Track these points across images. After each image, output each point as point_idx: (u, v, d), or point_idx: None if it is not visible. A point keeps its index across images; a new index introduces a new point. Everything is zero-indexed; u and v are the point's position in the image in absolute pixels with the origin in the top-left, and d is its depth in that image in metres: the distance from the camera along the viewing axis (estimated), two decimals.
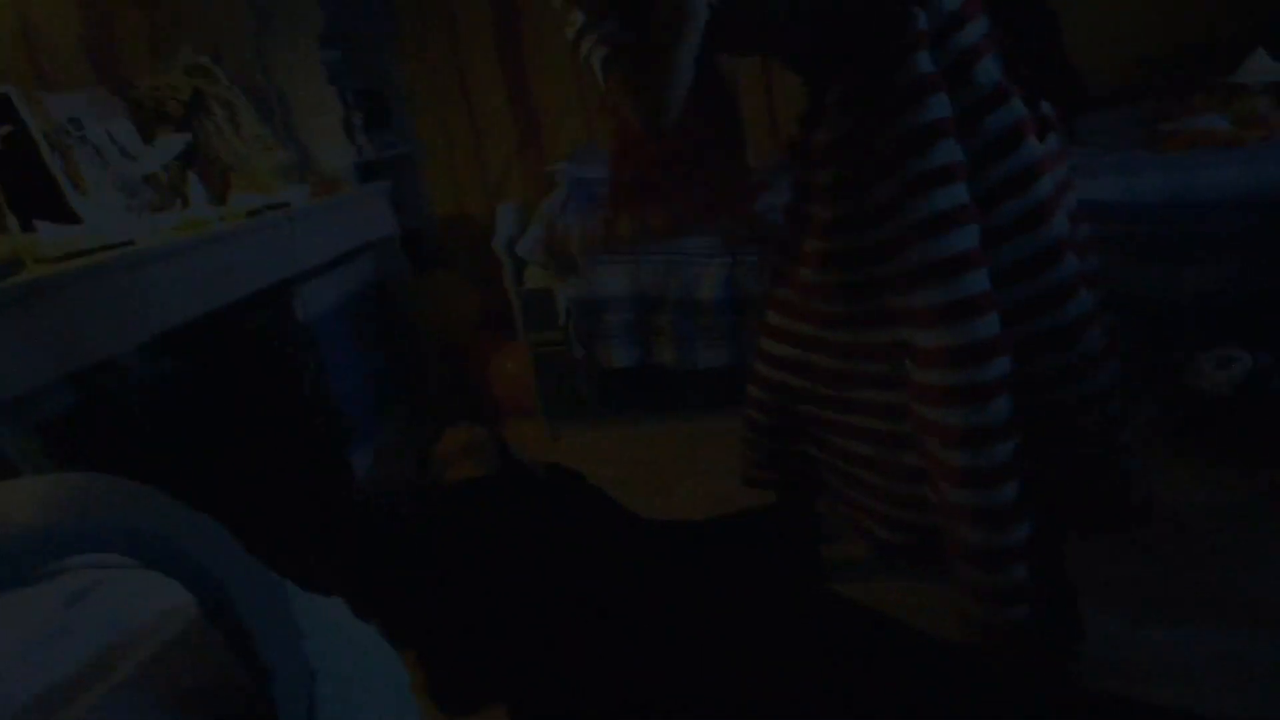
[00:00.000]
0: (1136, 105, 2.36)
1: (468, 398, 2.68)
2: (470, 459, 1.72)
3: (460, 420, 1.90)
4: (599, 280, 2.07)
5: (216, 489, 1.70)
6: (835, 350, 1.12)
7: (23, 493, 0.37)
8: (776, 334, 1.21)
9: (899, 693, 1.09)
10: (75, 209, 1.59)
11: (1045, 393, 1.03)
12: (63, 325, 1.18)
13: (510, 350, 2.44)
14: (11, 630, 0.56)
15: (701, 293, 2.02)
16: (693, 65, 0.95)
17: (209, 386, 1.70)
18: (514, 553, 1.37)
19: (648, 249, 2.06)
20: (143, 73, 2.00)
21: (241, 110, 2.03)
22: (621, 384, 2.22)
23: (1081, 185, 1.77)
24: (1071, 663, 1.13)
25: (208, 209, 1.74)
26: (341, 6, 2.39)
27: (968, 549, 1.01)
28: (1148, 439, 1.72)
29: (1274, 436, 1.58)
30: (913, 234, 0.96)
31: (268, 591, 0.49)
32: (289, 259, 1.77)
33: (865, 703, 1.08)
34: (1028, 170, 0.96)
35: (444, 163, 3.05)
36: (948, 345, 0.95)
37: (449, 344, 2.75)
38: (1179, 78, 2.28)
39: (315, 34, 2.23)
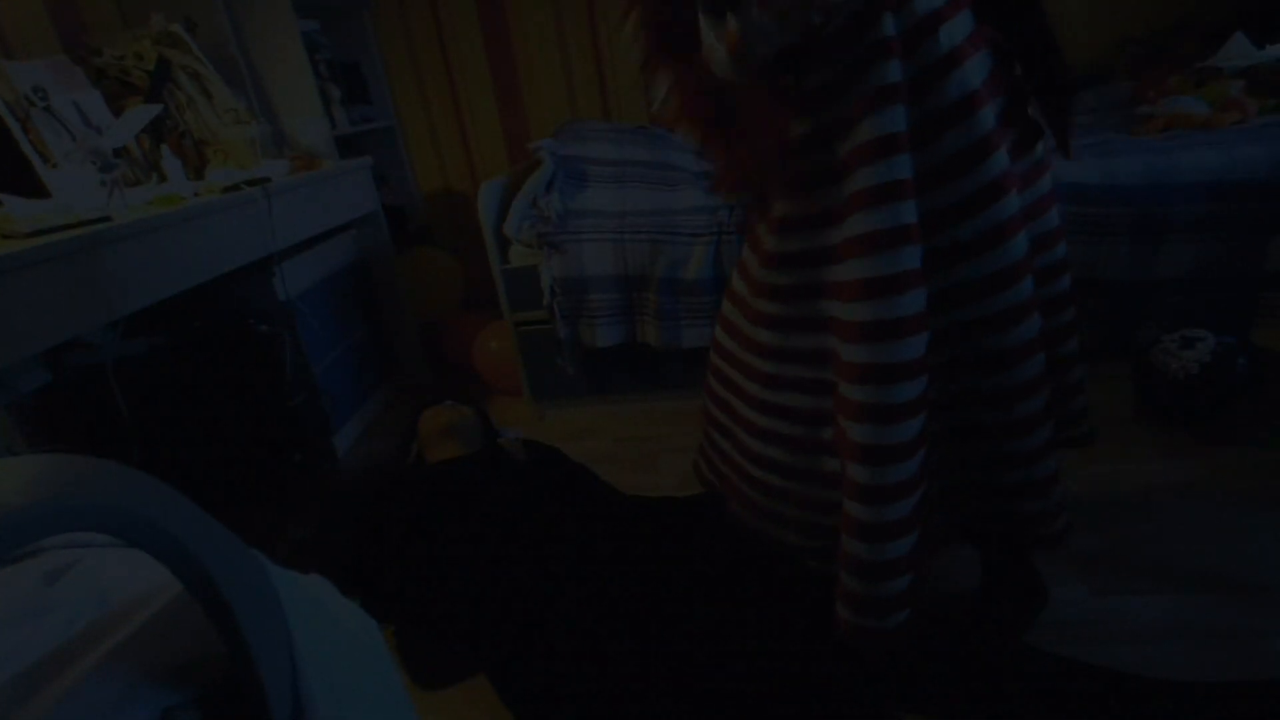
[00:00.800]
0: (1114, 87, 2.38)
1: (452, 376, 2.67)
2: (454, 439, 1.73)
3: (444, 399, 1.90)
4: (584, 259, 2.06)
5: (194, 468, 1.69)
6: (765, 351, 1.11)
7: (3, 472, 0.37)
8: (725, 326, 1.22)
9: (865, 661, 1.13)
10: (45, 183, 1.56)
11: (973, 412, 1.04)
12: (35, 302, 1.16)
13: (494, 329, 2.43)
14: None
15: (687, 272, 2.03)
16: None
17: (186, 365, 1.68)
18: (493, 529, 1.38)
19: (635, 227, 2.05)
20: (111, 41, 1.94)
21: (211, 81, 1.98)
22: (606, 362, 2.22)
23: (1060, 167, 1.80)
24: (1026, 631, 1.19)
25: (184, 184, 1.71)
26: None
27: (850, 561, 1.02)
28: (1115, 417, 1.79)
29: (1235, 415, 1.63)
30: (851, 205, 0.94)
31: (248, 569, 0.49)
32: (268, 235, 1.75)
33: (833, 668, 1.11)
34: (992, 185, 0.94)
35: (426, 138, 3.01)
36: (866, 320, 0.94)
37: (433, 322, 2.73)
38: (1157, 60, 2.30)
39: (289, 3, 2.17)
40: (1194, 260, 1.79)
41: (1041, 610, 1.23)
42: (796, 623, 1.18)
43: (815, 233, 1.00)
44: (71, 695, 0.45)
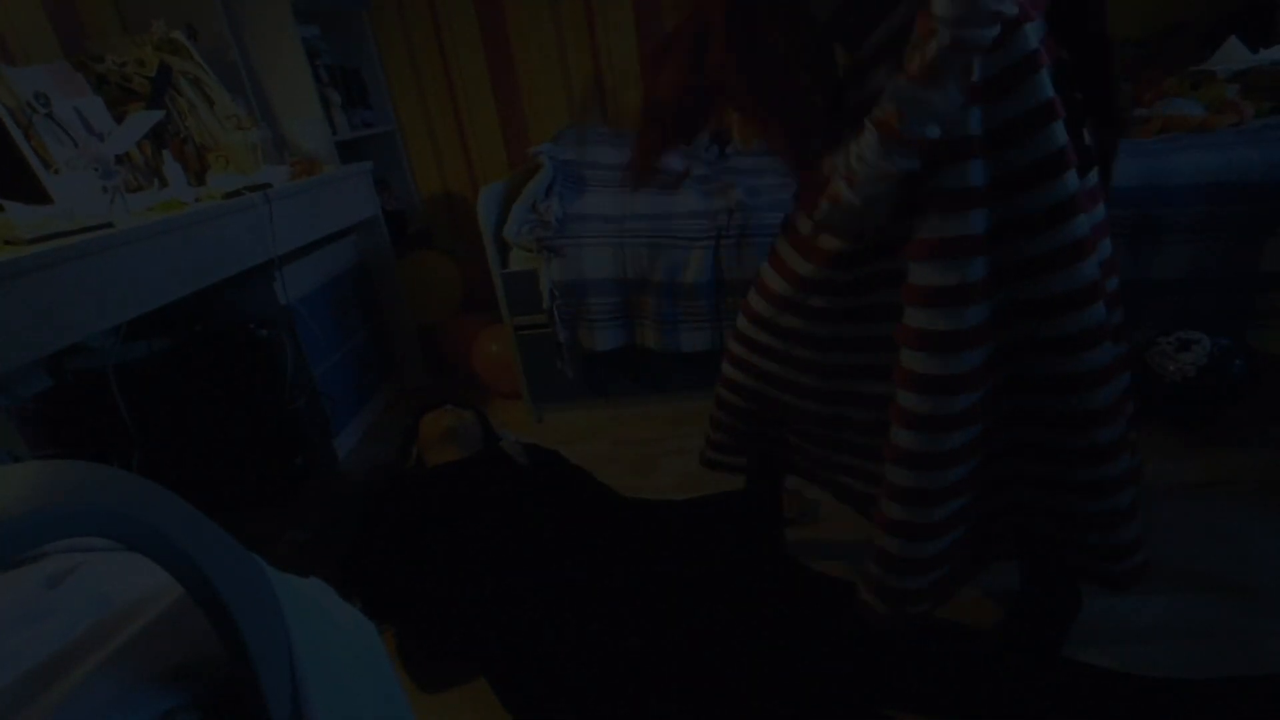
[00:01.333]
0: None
1: (451, 379, 2.68)
2: (454, 442, 1.73)
3: (444, 402, 1.90)
4: (583, 263, 2.07)
5: (195, 472, 1.70)
6: (819, 344, 1.09)
7: (5, 479, 0.38)
8: (758, 320, 1.17)
9: (863, 657, 1.13)
10: (47, 189, 1.57)
11: (1045, 435, 0.98)
12: (38, 308, 1.17)
13: (494, 332, 2.44)
14: None
15: (686, 276, 2.03)
16: None
17: (187, 369, 1.69)
18: (493, 531, 1.38)
19: (634, 231, 2.06)
20: (112, 47, 1.96)
21: (212, 87, 1.99)
22: (605, 366, 2.23)
23: None
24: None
25: (186, 189, 1.72)
26: None
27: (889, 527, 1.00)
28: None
29: (1232, 417, 1.64)
30: (928, 208, 0.89)
31: (247, 572, 0.50)
32: (269, 240, 1.76)
33: (832, 669, 1.12)
34: (1066, 203, 0.87)
35: (426, 142, 3.02)
36: (929, 329, 0.90)
37: (432, 326, 2.74)
38: (1153, 63, 2.31)
39: (290, 8, 2.19)
40: (1190, 262, 1.80)
41: (1074, 619, 1.19)
42: (797, 624, 1.19)
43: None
44: (72, 697, 0.46)
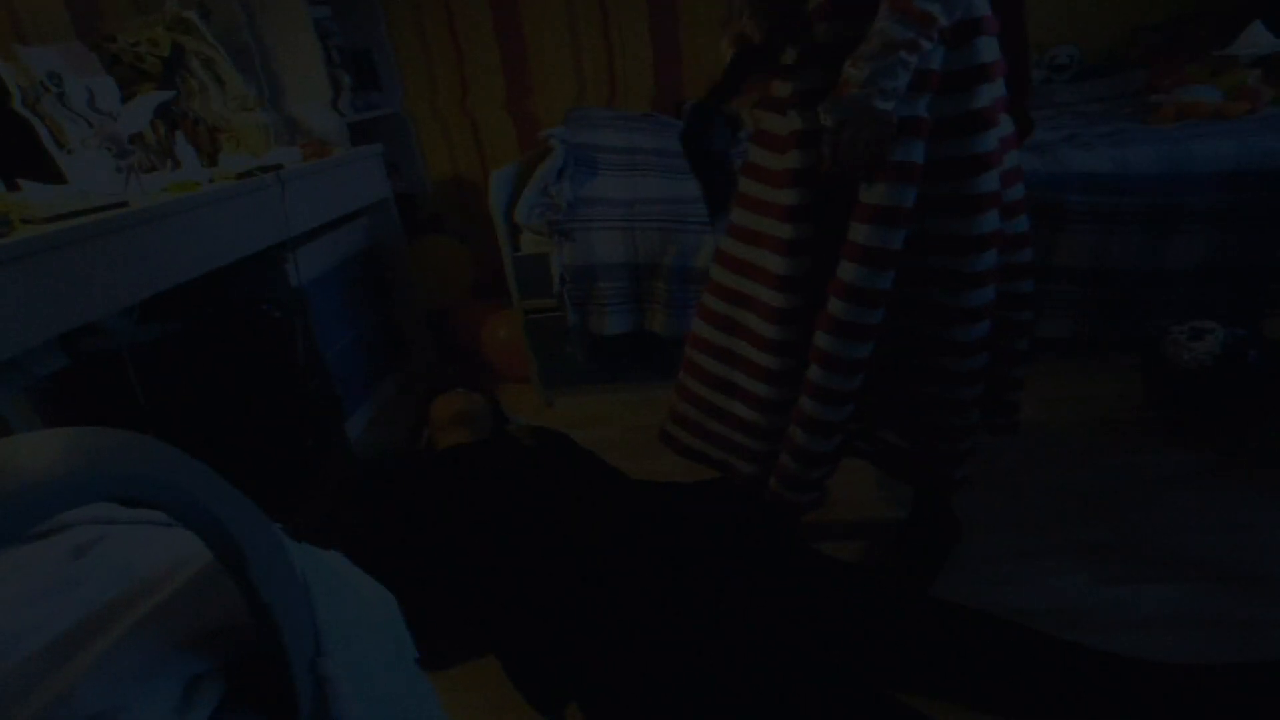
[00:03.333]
0: (1128, 75, 2.36)
1: (462, 363, 2.69)
2: (464, 426, 1.74)
3: (455, 386, 1.91)
4: (594, 247, 2.07)
5: (207, 452, 1.71)
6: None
7: (33, 443, 0.39)
8: (721, 293, 1.30)
9: (872, 636, 1.14)
10: (61, 168, 1.57)
11: (916, 355, 1.19)
12: (53, 287, 1.18)
13: (504, 316, 2.44)
14: (21, 582, 0.58)
15: (697, 261, 2.03)
16: None
17: (200, 349, 1.70)
18: (501, 513, 1.39)
19: (646, 215, 2.05)
20: (124, 27, 1.95)
21: (224, 68, 1.99)
22: (615, 350, 2.23)
23: (1074, 157, 1.79)
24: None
25: (198, 170, 1.72)
26: None
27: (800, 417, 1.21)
28: (1125, 407, 1.79)
29: (1246, 407, 1.63)
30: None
31: (271, 540, 0.51)
32: (281, 222, 1.76)
33: (837, 641, 1.13)
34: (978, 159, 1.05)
35: (436, 126, 3.01)
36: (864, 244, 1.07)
37: (443, 309, 2.74)
38: (1173, 48, 2.27)
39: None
40: (1205, 251, 1.78)
41: (954, 546, 1.38)
42: (805, 606, 1.19)
43: None
44: (101, 663, 0.47)
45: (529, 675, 1.19)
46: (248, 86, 2.01)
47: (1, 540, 0.33)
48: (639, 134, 2.44)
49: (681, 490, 1.58)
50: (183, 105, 1.97)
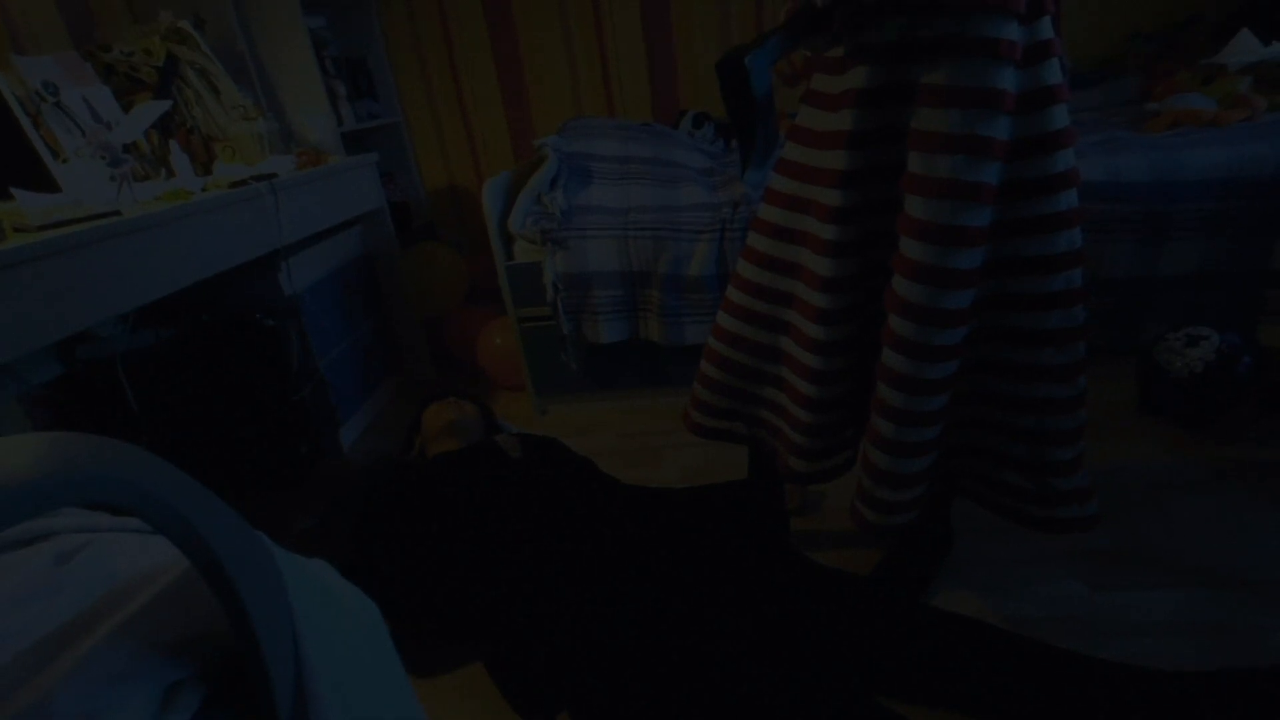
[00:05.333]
0: (1121, 83, 2.37)
1: (456, 371, 2.69)
2: (456, 435, 1.74)
3: (449, 394, 1.91)
4: (587, 255, 2.07)
5: (201, 459, 1.71)
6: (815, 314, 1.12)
7: (7, 447, 0.38)
8: (748, 288, 1.20)
9: (865, 643, 1.13)
10: (55, 177, 1.58)
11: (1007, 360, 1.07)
12: (47, 295, 1.18)
13: (498, 325, 2.45)
14: (3, 589, 0.58)
15: (690, 269, 2.03)
16: None
17: (194, 357, 1.70)
18: (487, 521, 1.39)
19: (639, 223, 2.06)
20: (120, 37, 1.96)
21: (219, 77, 2.00)
22: (609, 358, 2.23)
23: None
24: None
25: (192, 179, 1.72)
26: None
27: (878, 439, 1.09)
28: (1119, 413, 1.79)
29: (1240, 413, 1.63)
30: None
31: (252, 547, 0.50)
32: (275, 230, 1.76)
33: (830, 650, 1.12)
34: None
35: (431, 134, 3.02)
36: (927, 262, 0.97)
37: (437, 317, 2.75)
38: (1166, 55, 2.29)
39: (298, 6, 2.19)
40: (1199, 258, 1.78)
41: (947, 554, 1.37)
42: (799, 614, 1.19)
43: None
44: (79, 667, 0.46)
45: (517, 684, 1.19)
46: (244, 95, 2.02)
47: None
48: (633, 143, 2.45)
49: (673, 496, 1.58)
50: (180, 114, 1.98)
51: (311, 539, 1.57)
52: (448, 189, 3.11)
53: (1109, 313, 1.87)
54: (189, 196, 1.58)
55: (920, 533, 1.39)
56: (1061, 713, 1.04)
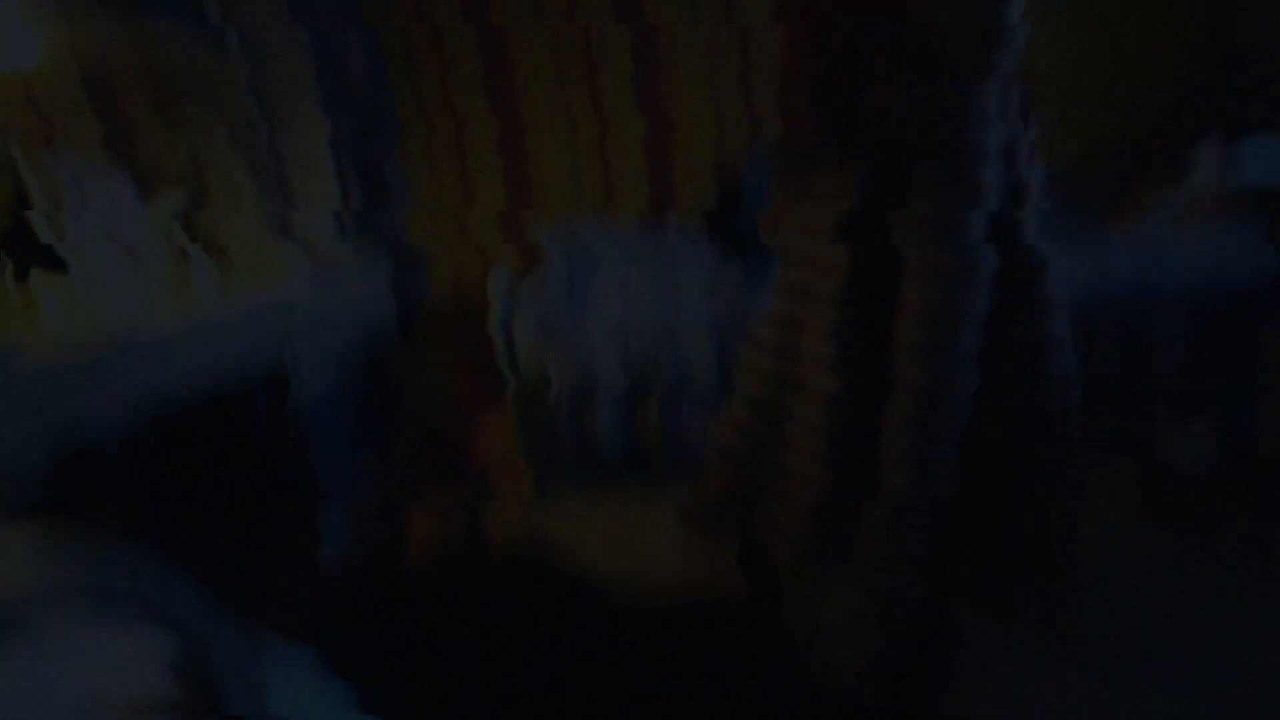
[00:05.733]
0: (1094, 188, 2.51)
1: (452, 467, 2.64)
2: (444, 539, 1.69)
3: (441, 493, 1.87)
4: (589, 354, 2.10)
5: (188, 548, 1.64)
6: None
7: (12, 540, 0.37)
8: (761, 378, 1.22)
9: None
10: (69, 264, 1.61)
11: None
12: (53, 403, 1.17)
13: (497, 423, 2.43)
14: None
15: (694, 372, 2.06)
16: None
17: (188, 445, 1.67)
18: (474, 633, 1.33)
19: (640, 321, 2.10)
20: (148, 136, 2.07)
21: (242, 179, 2.10)
22: (609, 462, 2.21)
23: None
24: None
25: (209, 276, 1.77)
26: (348, 86, 2.51)
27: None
28: (1122, 510, 1.75)
29: (1245, 509, 1.60)
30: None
31: (238, 640, 0.48)
32: (281, 323, 1.79)
33: None
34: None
35: (442, 237, 3.13)
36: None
37: (436, 412, 2.73)
38: (1133, 164, 2.43)
39: (319, 108, 2.33)
40: (1187, 353, 1.82)
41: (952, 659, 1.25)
42: None
43: None
44: None
45: None
46: (259, 191, 2.11)
47: None
48: (636, 242, 2.54)
49: (664, 616, 1.51)
50: (200, 212, 2.06)
51: (294, 626, 1.49)
52: (454, 288, 3.18)
53: (1100, 409, 1.87)
54: (204, 297, 1.60)
55: (927, 638, 1.30)
56: None
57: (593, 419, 2.12)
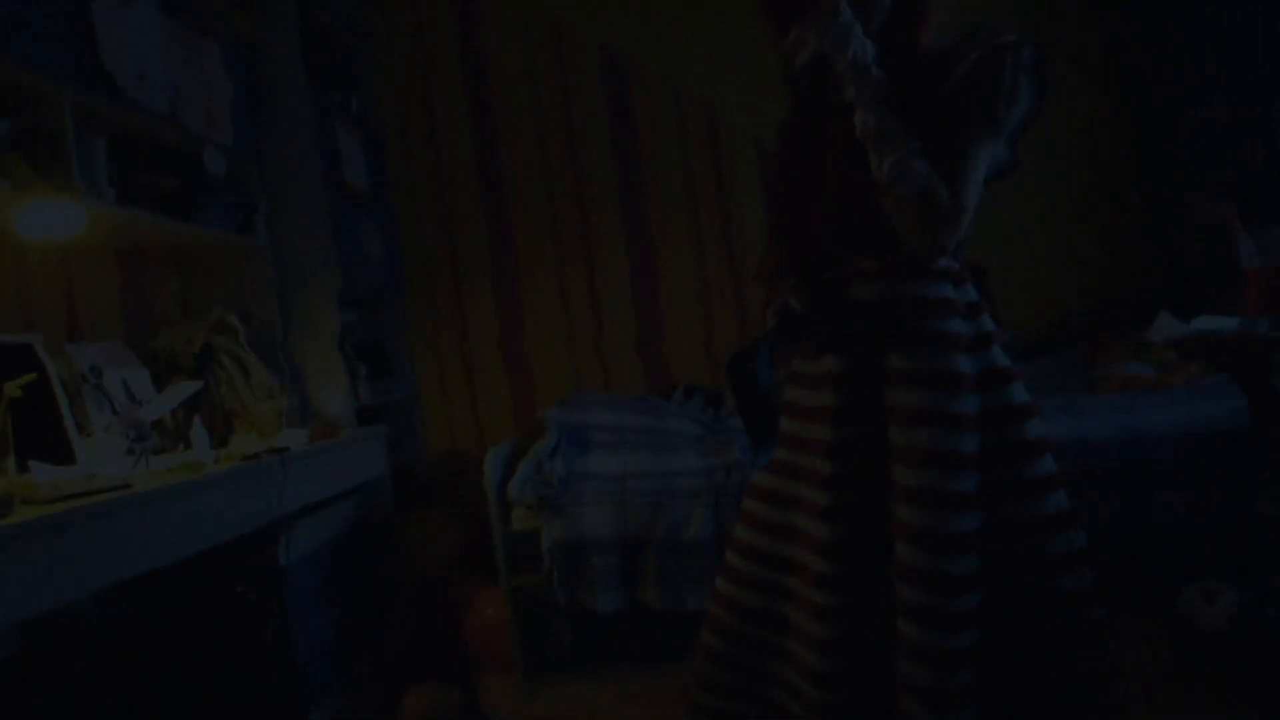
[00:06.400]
0: (1067, 353, 2.64)
1: (443, 646, 2.49)
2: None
3: (432, 676, 1.76)
4: (584, 521, 2.08)
5: None
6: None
7: None
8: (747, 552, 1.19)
9: None
10: (75, 450, 1.64)
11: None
12: (42, 568, 1.16)
13: (490, 596, 2.34)
14: None
15: (688, 533, 2.03)
16: None
17: (165, 630, 1.59)
18: None
19: (636, 489, 2.10)
20: (171, 328, 2.20)
21: (252, 363, 2.20)
22: (606, 630, 2.10)
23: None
24: None
25: (207, 452, 1.80)
26: (361, 274, 2.72)
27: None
28: (1144, 675, 1.64)
29: (1270, 670, 1.52)
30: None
31: None
32: (275, 503, 1.78)
33: None
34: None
35: (440, 407, 3.21)
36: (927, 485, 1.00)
37: (428, 586, 2.63)
38: (1099, 329, 2.59)
39: (335, 298, 2.50)
40: (1189, 508, 1.81)
41: None
42: None
43: None
44: None
45: None
46: (271, 377, 2.20)
47: None
48: (629, 413, 2.60)
49: None
50: (209, 393, 2.13)
51: None
52: (451, 455, 3.21)
53: (1111, 567, 1.83)
54: (200, 470, 1.63)
55: None
56: None
57: (588, 591, 2.04)
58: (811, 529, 1.10)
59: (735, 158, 3.01)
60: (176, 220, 2.03)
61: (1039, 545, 1.03)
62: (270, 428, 2.04)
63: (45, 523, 1.17)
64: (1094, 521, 1.84)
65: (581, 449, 2.40)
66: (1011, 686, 1.07)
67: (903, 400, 1.04)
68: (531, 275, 3.15)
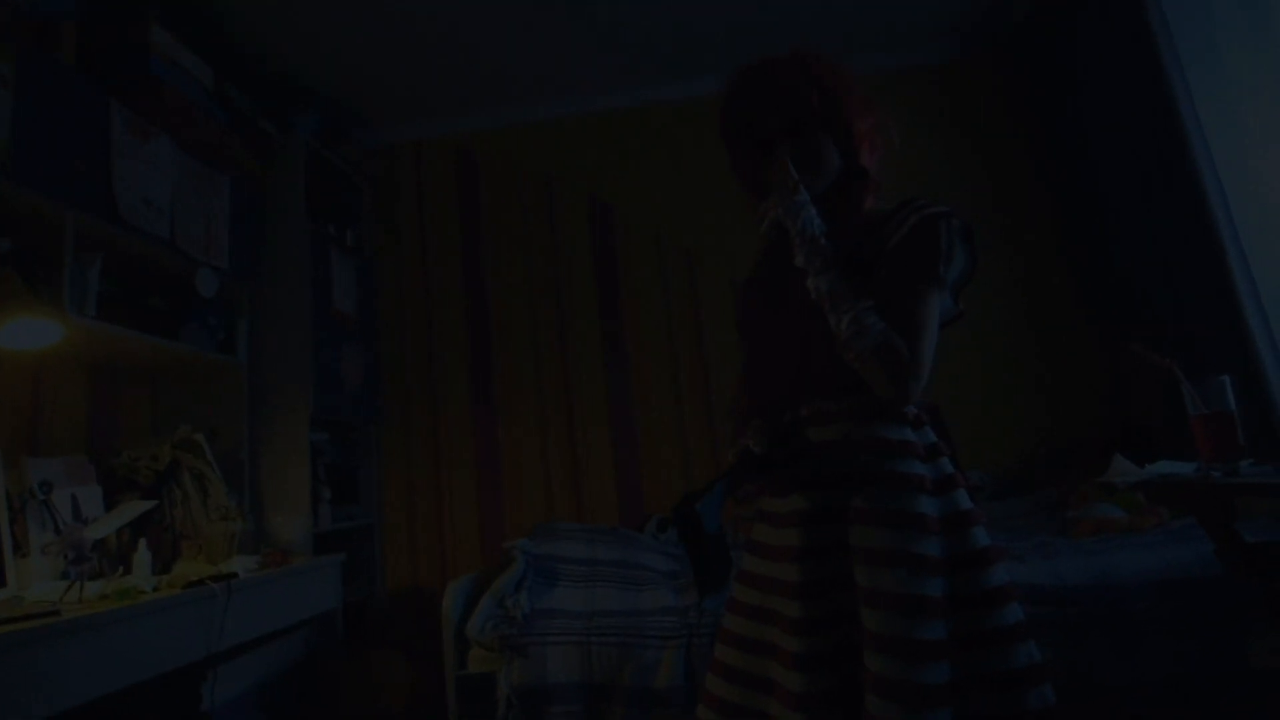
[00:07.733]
0: (1040, 494, 2.65)
1: None
2: None
3: None
4: (547, 664, 1.94)
5: None
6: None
7: None
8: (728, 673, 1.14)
9: None
10: (5, 571, 1.54)
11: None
12: None
13: None
14: None
15: (657, 680, 1.90)
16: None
17: None
18: None
19: (603, 629, 1.99)
20: (136, 445, 2.14)
21: (213, 482, 2.13)
22: None
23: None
24: None
25: (148, 578, 1.69)
26: (337, 397, 2.71)
27: None
28: None
29: None
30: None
31: None
32: (213, 636, 1.66)
33: None
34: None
35: (404, 537, 3.09)
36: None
37: None
38: (1066, 471, 2.62)
39: (306, 419, 2.47)
40: (1175, 660, 1.74)
41: None
42: None
43: None
44: None
45: None
46: (230, 497, 2.12)
47: None
48: (600, 545, 2.52)
49: None
50: (160, 513, 2.04)
51: None
52: (410, 590, 3.04)
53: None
54: (137, 597, 1.53)
55: None
56: None
57: None
58: (785, 680, 1.06)
59: (712, 300, 3.16)
60: (159, 338, 2.05)
61: (1012, 699, 0.98)
62: (220, 552, 1.95)
63: None
64: (1078, 672, 1.76)
65: (549, 582, 2.29)
66: None
67: (866, 541, 1.03)
68: (510, 405, 3.17)
